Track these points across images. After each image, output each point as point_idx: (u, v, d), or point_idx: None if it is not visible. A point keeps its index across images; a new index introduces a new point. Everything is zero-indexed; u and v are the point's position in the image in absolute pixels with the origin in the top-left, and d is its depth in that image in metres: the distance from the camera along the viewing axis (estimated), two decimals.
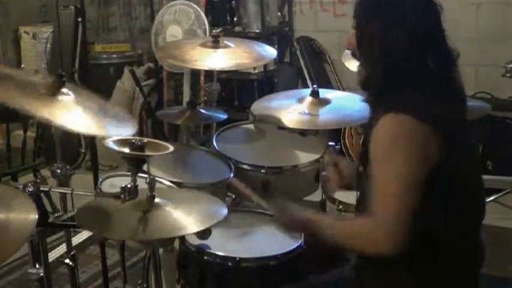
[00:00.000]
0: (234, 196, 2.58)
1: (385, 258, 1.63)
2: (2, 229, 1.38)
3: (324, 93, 2.65)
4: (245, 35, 4.47)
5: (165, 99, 4.76)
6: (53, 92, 1.77)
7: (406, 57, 1.69)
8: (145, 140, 1.67)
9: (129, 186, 1.63)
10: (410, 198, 1.59)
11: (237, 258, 1.93)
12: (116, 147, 1.63)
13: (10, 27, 5.13)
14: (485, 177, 1.83)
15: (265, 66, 4.52)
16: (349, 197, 2.23)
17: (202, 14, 4.03)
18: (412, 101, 1.67)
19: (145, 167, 1.65)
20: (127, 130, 1.78)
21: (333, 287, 1.88)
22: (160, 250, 2.07)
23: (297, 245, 2.02)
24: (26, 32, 5.00)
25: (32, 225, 1.43)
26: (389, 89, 1.72)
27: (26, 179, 3.51)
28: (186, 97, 3.95)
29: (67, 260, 1.99)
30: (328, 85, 4.63)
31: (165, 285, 2.05)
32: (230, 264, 1.93)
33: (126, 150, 1.63)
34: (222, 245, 1.99)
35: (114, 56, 5.19)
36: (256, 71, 4.64)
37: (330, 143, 2.65)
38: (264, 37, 4.41)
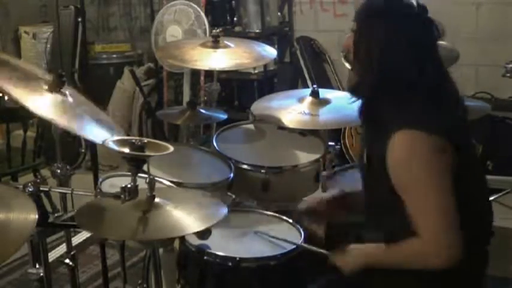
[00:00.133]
0: (234, 196, 2.59)
1: None
2: (2, 229, 1.38)
3: (324, 93, 2.65)
4: (245, 35, 4.47)
5: (165, 99, 4.76)
6: (54, 89, 1.77)
7: (403, 66, 1.70)
8: (146, 140, 1.67)
9: (129, 186, 1.63)
10: (450, 206, 1.63)
11: (237, 258, 1.93)
12: (116, 147, 1.63)
13: (10, 27, 5.13)
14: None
15: (265, 66, 4.52)
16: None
17: (202, 14, 4.03)
18: (420, 113, 1.69)
19: (145, 167, 1.65)
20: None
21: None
22: (160, 250, 2.07)
23: (297, 245, 2.01)
24: (26, 32, 5.00)
25: (32, 225, 1.43)
26: (382, 96, 1.73)
27: (26, 179, 3.51)
28: (186, 97, 3.95)
29: (67, 260, 1.99)
30: (328, 85, 4.63)
31: (165, 285, 2.05)
32: (230, 264, 1.92)
33: (126, 150, 1.63)
34: (222, 245, 1.99)
35: (114, 56, 5.19)
36: (256, 71, 4.64)
37: (330, 143, 2.66)
38: (264, 37, 4.41)
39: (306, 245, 1.99)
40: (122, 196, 1.63)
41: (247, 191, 2.55)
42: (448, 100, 1.77)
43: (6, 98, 1.80)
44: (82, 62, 4.53)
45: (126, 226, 1.63)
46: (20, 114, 3.36)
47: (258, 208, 2.39)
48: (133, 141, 1.64)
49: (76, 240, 2.42)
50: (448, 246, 1.62)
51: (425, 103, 1.71)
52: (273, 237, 2.05)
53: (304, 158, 2.56)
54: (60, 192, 1.85)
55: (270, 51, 2.73)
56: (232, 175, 2.39)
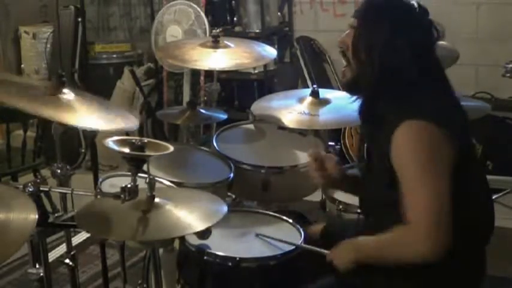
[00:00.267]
0: (234, 196, 2.59)
1: (390, 266, 1.65)
2: (2, 229, 1.38)
3: (324, 93, 2.65)
4: (245, 35, 4.47)
5: (165, 99, 4.76)
6: (54, 91, 1.78)
7: (404, 65, 1.70)
8: (146, 140, 1.67)
9: (129, 186, 1.63)
10: (443, 200, 1.60)
11: (237, 258, 1.93)
12: (116, 147, 1.63)
13: (10, 27, 5.13)
14: None
15: (265, 66, 4.51)
16: (350, 197, 2.23)
17: (202, 14, 4.03)
18: (422, 106, 1.68)
19: (145, 167, 1.65)
20: (131, 124, 1.84)
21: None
22: (160, 250, 2.07)
23: (297, 245, 2.01)
24: (26, 32, 5.00)
25: (32, 225, 1.43)
26: (384, 94, 1.73)
27: (26, 179, 3.51)
28: (186, 97, 3.95)
29: (67, 260, 1.99)
30: (328, 85, 4.63)
31: (165, 285, 2.05)
32: (230, 264, 1.92)
33: (126, 150, 1.63)
34: (222, 245, 1.99)
35: (114, 56, 5.19)
36: (256, 71, 4.64)
37: (330, 143, 2.66)
38: (264, 37, 4.41)
39: (305, 246, 1.99)
40: (122, 196, 1.63)
41: (247, 191, 2.56)
42: (448, 100, 1.77)
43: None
44: (82, 62, 4.53)
45: (126, 226, 1.63)
46: (20, 114, 3.36)
47: (258, 208, 2.39)
48: (133, 141, 1.64)
49: (76, 240, 2.42)
50: (435, 233, 1.58)
51: (426, 99, 1.71)
52: (274, 238, 2.04)
53: (304, 158, 2.55)
54: (60, 192, 1.85)
55: (270, 51, 2.73)
56: (232, 175, 2.39)
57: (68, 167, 1.94)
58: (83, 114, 1.78)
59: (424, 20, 1.76)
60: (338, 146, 2.74)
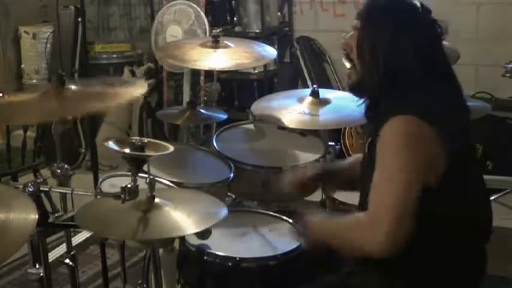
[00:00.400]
0: (234, 196, 2.59)
1: (390, 266, 1.64)
2: (2, 229, 1.38)
3: (324, 93, 2.64)
4: (245, 35, 4.47)
5: (165, 99, 4.76)
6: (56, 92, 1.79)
7: (409, 66, 1.70)
8: (146, 140, 1.67)
9: (129, 186, 1.63)
10: (408, 198, 1.59)
11: (237, 258, 1.93)
12: (116, 148, 1.63)
13: (10, 27, 5.13)
14: (485, 177, 1.84)
15: (265, 66, 4.51)
16: (350, 196, 2.23)
17: (202, 14, 4.04)
18: (417, 103, 1.67)
19: (145, 167, 1.65)
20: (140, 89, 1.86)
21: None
22: (160, 250, 2.07)
23: (297, 245, 2.01)
24: (26, 32, 4.99)
25: (32, 225, 1.43)
26: (387, 95, 1.73)
27: (26, 179, 3.51)
28: (186, 97, 3.95)
29: (67, 260, 1.98)
30: (328, 85, 4.63)
31: (165, 285, 2.05)
32: (230, 264, 1.92)
33: (127, 150, 1.63)
34: (222, 245, 1.99)
35: (114, 56, 5.19)
36: (256, 71, 4.64)
37: (330, 143, 2.66)
38: (264, 37, 4.41)
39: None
40: (122, 196, 1.63)
41: (247, 191, 2.56)
42: (450, 99, 1.77)
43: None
44: (82, 62, 4.53)
45: (126, 226, 1.63)
46: None
47: (258, 208, 2.39)
48: (134, 141, 1.64)
49: (76, 240, 2.41)
50: (394, 233, 1.55)
51: (426, 98, 1.70)
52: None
53: (304, 158, 2.56)
54: (60, 192, 1.85)
55: (270, 51, 2.73)
56: (232, 175, 2.39)
57: (68, 167, 1.94)
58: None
59: (427, 19, 1.76)
60: (338, 146, 2.73)
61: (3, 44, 5.12)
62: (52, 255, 1.96)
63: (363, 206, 1.90)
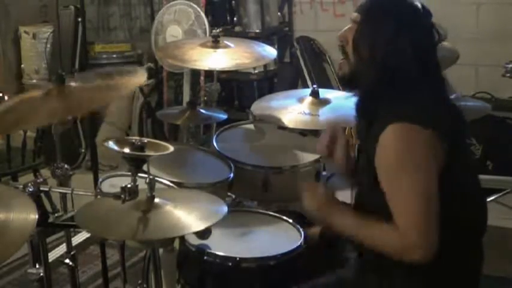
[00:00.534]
0: (234, 196, 2.59)
1: (389, 266, 1.65)
2: (2, 229, 1.38)
3: (324, 93, 2.65)
4: (245, 35, 4.47)
5: (165, 99, 4.76)
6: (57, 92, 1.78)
7: (406, 66, 1.70)
8: (146, 140, 1.67)
9: (129, 186, 1.63)
10: (433, 208, 1.60)
11: (237, 258, 1.93)
12: (116, 148, 1.63)
13: (10, 27, 5.13)
14: (485, 177, 1.84)
15: (265, 66, 4.52)
16: (349, 197, 2.22)
17: (202, 14, 4.03)
18: (415, 109, 1.68)
19: (145, 167, 1.65)
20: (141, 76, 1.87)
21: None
22: (160, 250, 2.07)
23: (297, 245, 2.02)
24: (26, 32, 5.00)
25: (32, 225, 1.43)
26: (385, 93, 1.73)
27: (26, 179, 3.51)
28: (186, 97, 3.95)
29: (67, 260, 1.98)
30: (328, 85, 4.63)
31: (165, 285, 2.04)
32: (230, 264, 1.93)
33: (127, 150, 1.63)
34: (222, 245, 1.99)
35: (114, 56, 5.18)
36: (256, 71, 4.64)
37: None
38: (264, 37, 4.41)
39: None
40: (122, 196, 1.63)
41: (247, 191, 2.56)
42: (442, 101, 1.77)
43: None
44: (82, 62, 4.52)
45: (126, 226, 1.63)
46: None
47: (258, 208, 2.39)
48: (133, 141, 1.64)
49: (76, 240, 2.42)
50: (426, 241, 1.58)
51: (420, 100, 1.70)
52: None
53: (304, 158, 2.56)
54: (60, 192, 1.85)
55: (270, 51, 2.73)
56: (232, 175, 2.39)
57: (68, 167, 1.94)
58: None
59: (427, 21, 1.76)
60: None
61: (3, 44, 5.12)
62: (52, 255, 1.96)
63: (358, 203, 1.90)
